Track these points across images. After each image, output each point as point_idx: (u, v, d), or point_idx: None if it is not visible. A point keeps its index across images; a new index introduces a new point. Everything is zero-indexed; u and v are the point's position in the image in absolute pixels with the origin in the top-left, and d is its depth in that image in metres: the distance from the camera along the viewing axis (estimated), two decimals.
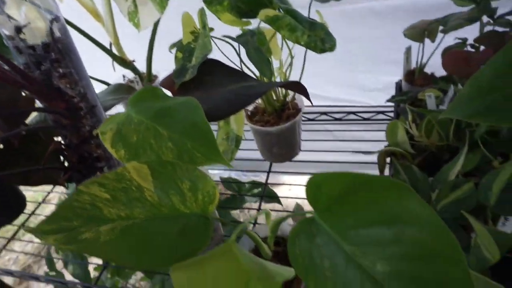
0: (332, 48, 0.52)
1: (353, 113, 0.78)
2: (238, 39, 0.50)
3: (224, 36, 0.51)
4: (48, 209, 1.25)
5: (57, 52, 0.44)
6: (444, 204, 0.39)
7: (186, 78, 0.46)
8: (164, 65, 0.80)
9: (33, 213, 0.78)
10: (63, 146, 0.50)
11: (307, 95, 0.43)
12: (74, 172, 0.51)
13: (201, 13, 0.50)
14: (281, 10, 0.55)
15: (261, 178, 0.85)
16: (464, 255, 0.19)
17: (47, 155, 0.45)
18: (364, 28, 0.99)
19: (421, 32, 0.61)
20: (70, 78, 0.46)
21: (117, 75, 0.91)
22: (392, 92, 0.79)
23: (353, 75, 1.12)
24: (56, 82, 0.45)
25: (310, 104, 0.49)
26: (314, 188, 0.25)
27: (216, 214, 0.67)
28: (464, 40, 0.62)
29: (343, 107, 0.91)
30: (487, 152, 0.43)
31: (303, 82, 0.53)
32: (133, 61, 0.80)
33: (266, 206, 0.87)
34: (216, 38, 0.52)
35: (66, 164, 0.52)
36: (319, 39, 0.51)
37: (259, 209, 0.73)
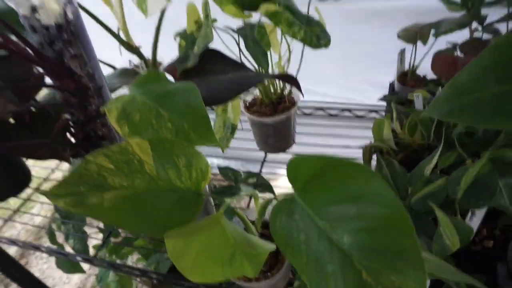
0: (326, 44, 0.55)
1: (348, 110, 0.81)
2: (238, 31, 0.53)
3: (226, 27, 0.54)
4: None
5: (70, 33, 0.47)
6: (417, 197, 0.43)
7: (188, 65, 0.50)
8: (169, 52, 0.83)
9: (38, 189, 0.82)
10: (70, 123, 0.53)
11: (299, 88, 0.46)
12: (80, 149, 0.54)
13: (205, 5, 0.53)
14: (281, 3, 0.58)
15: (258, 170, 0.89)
16: (413, 228, 0.23)
17: (55, 131, 0.49)
18: (364, 28, 1.01)
19: (413, 34, 0.64)
20: (80, 59, 0.49)
21: (124, 59, 0.94)
22: (387, 91, 0.82)
23: (351, 73, 1.15)
24: (67, 62, 0.48)
25: (305, 99, 0.52)
26: (294, 169, 0.29)
27: (210, 201, 0.71)
28: (455, 44, 0.65)
29: (339, 104, 0.95)
30: (463, 151, 0.46)
31: (301, 78, 0.56)
32: (140, 47, 0.83)
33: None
34: (218, 28, 0.55)
35: (72, 140, 0.55)
36: (314, 35, 0.54)
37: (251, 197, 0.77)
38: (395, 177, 0.49)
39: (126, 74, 0.77)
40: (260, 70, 0.58)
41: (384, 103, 0.79)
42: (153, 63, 0.84)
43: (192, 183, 0.34)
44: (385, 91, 0.88)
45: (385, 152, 0.56)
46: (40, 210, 1.68)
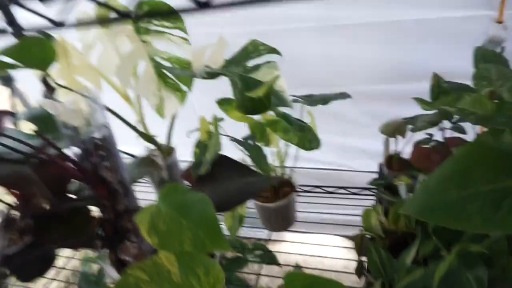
0: (317, 147, 0.65)
1: (343, 187, 0.89)
2: (242, 143, 0.63)
3: (232, 138, 0.65)
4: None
5: (104, 149, 0.58)
6: (401, 286, 0.50)
7: (201, 171, 0.59)
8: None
9: (63, 268, 0.89)
10: (101, 220, 0.62)
11: (295, 191, 0.55)
12: (109, 241, 0.62)
13: (215, 119, 0.64)
14: (278, 113, 0.69)
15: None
16: None
17: (91, 230, 0.57)
18: (356, 105, 1.15)
19: (393, 130, 0.75)
20: (112, 169, 0.59)
21: (140, 142, 1.05)
22: (377, 158, 0.91)
23: (346, 142, 1.27)
24: (101, 173, 0.58)
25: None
26: (289, 281, 0.37)
27: None
28: (431, 135, 0.75)
29: (336, 171, 1.04)
30: (439, 241, 0.54)
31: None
32: (154, 136, 0.94)
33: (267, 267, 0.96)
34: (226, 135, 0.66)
35: (102, 232, 0.64)
36: (307, 140, 0.65)
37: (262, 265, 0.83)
38: (384, 264, 0.56)
39: (144, 163, 0.87)
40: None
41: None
42: (167, 151, 0.95)
43: (210, 287, 0.42)
44: (374, 158, 0.97)
45: (376, 237, 0.64)
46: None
